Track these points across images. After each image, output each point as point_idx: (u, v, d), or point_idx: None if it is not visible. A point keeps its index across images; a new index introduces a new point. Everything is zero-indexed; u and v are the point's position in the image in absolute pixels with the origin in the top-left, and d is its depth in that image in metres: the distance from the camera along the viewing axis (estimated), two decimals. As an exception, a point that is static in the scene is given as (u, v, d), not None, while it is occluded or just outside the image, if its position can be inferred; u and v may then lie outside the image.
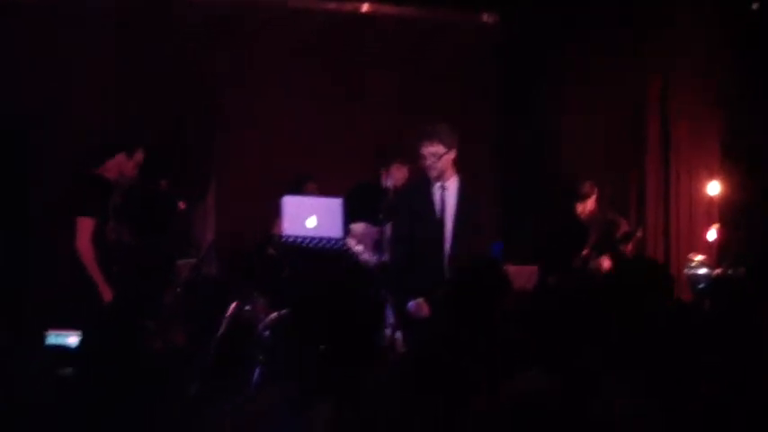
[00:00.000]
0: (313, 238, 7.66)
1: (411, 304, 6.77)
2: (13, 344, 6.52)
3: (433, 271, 6.80)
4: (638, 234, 9.53)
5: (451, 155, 7.01)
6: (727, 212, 9.95)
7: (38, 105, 9.50)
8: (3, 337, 6.95)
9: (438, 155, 6.94)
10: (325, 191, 9.07)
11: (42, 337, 8.24)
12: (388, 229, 7.72)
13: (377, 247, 7.71)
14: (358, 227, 8.16)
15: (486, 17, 10.89)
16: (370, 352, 3.98)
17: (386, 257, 7.60)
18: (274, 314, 8.27)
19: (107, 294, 7.19)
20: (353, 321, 3.94)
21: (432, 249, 6.97)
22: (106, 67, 9.85)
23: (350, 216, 7.91)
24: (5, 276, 8.92)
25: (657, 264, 5.22)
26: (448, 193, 7.04)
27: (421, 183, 7.12)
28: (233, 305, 7.73)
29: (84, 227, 7.26)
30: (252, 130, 10.30)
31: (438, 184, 7.02)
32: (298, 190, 8.97)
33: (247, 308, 8.59)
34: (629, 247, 9.29)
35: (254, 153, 10.30)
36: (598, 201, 9.64)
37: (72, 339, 7.70)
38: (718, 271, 8.93)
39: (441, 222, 7.00)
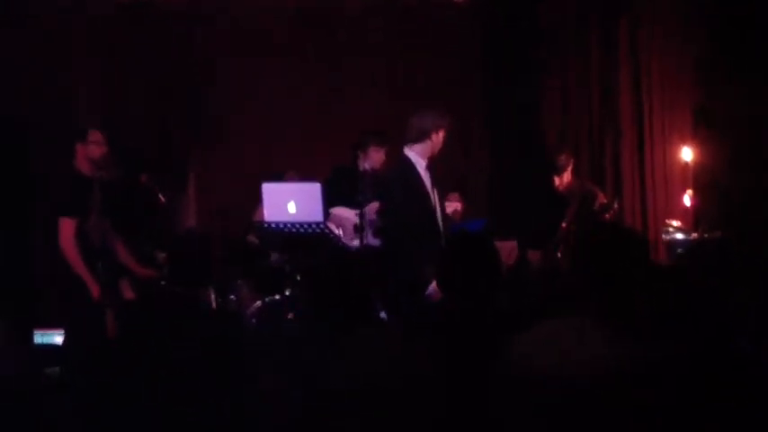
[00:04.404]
0: (294, 224, 7.72)
1: (430, 289, 6.63)
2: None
3: (434, 248, 6.87)
4: (615, 206, 9.61)
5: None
6: (701, 178, 10.03)
7: (34, 105, 9.72)
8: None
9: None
10: (309, 178, 9.08)
11: (30, 336, 8.32)
12: (368, 211, 7.79)
13: (357, 230, 7.77)
14: (338, 211, 8.22)
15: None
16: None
17: (369, 240, 7.68)
18: (259, 302, 8.34)
19: (95, 291, 7.22)
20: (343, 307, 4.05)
21: (431, 227, 7.09)
22: (90, 66, 9.95)
23: (329, 200, 7.96)
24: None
25: (630, 230, 5.29)
26: (429, 173, 7.17)
27: (408, 164, 7.17)
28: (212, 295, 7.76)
29: (66, 226, 7.28)
30: (231, 120, 10.35)
31: (424, 163, 7.13)
32: (279, 179, 9.00)
33: (232, 297, 8.66)
34: (608, 217, 9.36)
35: (233, 143, 10.36)
36: (574, 172, 9.72)
37: (58, 338, 7.77)
38: (694, 235, 9.02)
39: (433, 199, 7.14)
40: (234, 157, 10.34)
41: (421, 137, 7.15)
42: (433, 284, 6.69)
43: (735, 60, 9.62)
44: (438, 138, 7.17)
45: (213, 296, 7.79)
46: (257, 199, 8.29)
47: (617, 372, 3.59)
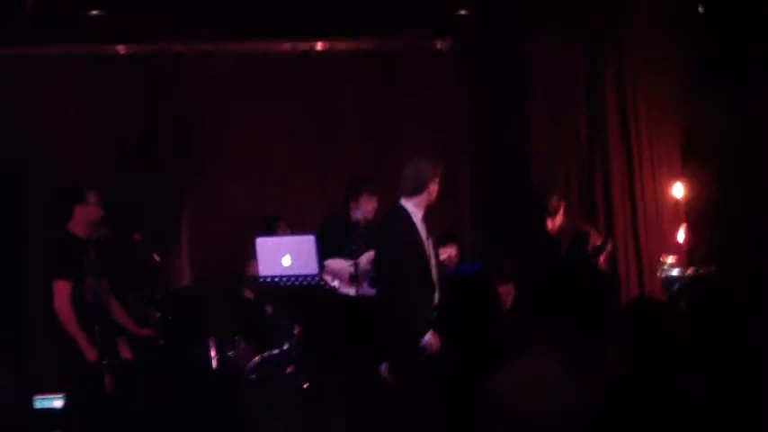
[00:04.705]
0: (290, 277, 7.71)
1: (425, 340, 6.68)
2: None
3: (429, 298, 6.88)
4: (609, 247, 9.60)
5: None
6: (693, 212, 10.04)
7: (30, 154, 9.79)
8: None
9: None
10: (299, 229, 9.07)
11: (31, 402, 8.30)
12: (362, 261, 7.78)
13: (352, 280, 7.77)
14: (333, 263, 8.20)
15: (439, 44, 10.97)
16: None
17: (364, 290, 7.66)
18: (257, 357, 8.31)
19: (90, 354, 7.18)
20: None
21: (428, 278, 7.08)
22: (80, 115, 10.05)
23: (322, 252, 7.95)
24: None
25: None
26: (425, 223, 7.19)
27: (404, 215, 7.18)
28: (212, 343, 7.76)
29: (61, 289, 7.23)
30: (220, 173, 10.38)
31: (421, 214, 7.14)
32: (269, 231, 9.00)
33: (230, 353, 8.63)
34: (601, 259, 9.36)
35: (223, 196, 10.37)
36: (566, 214, 9.72)
37: (58, 403, 7.74)
38: (690, 271, 9.02)
39: (428, 251, 7.13)
40: (223, 202, 10.34)
41: (418, 188, 7.17)
42: (429, 335, 6.69)
43: (721, 87, 9.67)
44: (435, 187, 7.19)
45: (213, 352, 7.78)
46: (249, 248, 8.26)
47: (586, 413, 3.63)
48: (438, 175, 7.24)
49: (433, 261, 7.18)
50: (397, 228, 7.19)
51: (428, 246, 7.16)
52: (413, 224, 7.12)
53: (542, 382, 3.73)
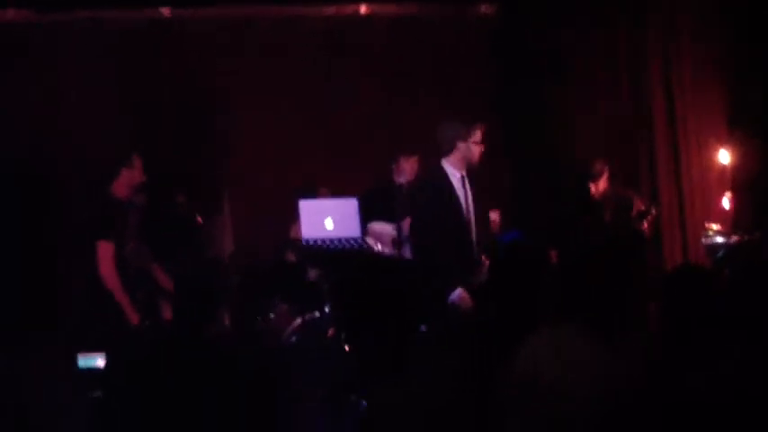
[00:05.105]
0: (333, 240, 7.72)
1: (454, 295, 6.81)
2: (46, 368, 6.62)
3: (466, 259, 6.90)
4: (653, 212, 9.56)
5: None
6: (739, 179, 9.96)
7: (58, 132, 9.74)
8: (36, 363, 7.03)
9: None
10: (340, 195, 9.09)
11: (74, 361, 8.35)
12: (405, 224, 7.78)
13: (395, 244, 7.78)
14: (375, 226, 8.21)
15: (483, 8, 10.90)
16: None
17: (407, 254, 7.67)
18: (299, 320, 8.34)
19: (134, 318, 7.24)
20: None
21: (463, 238, 7.14)
22: (115, 89, 10.02)
23: (366, 217, 7.97)
24: (36, 300, 9.03)
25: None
26: (466, 180, 7.21)
27: (436, 173, 7.27)
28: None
29: (105, 252, 7.29)
30: (261, 141, 10.37)
31: (460, 174, 7.17)
32: (311, 193, 9.01)
33: (271, 315, 8.66)
34: (645, 224, 9.32)
35: (265, 163, 10.36)
36: (610, 179, 9.66)
37: (100, 362, 7.79)
38: (734, 238, 8.96)
39: (467, 209, 7.16)
40: (267, 165, 10.34)
41: (449, 148, 7.24)
42: (459, 291, 6.74)
43: (764, 58, 9.57)
44: (467, 146, 7.22)
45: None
46: (293, 211, 8.28)
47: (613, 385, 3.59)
48: (469, 135, 7.26)
49: (473, 222, 7.21)
50: (424, 185, 7.45)
51: (468, 205, 7.19)
52: (448, 183, 7.21)
53: (577, 358, 3.70)
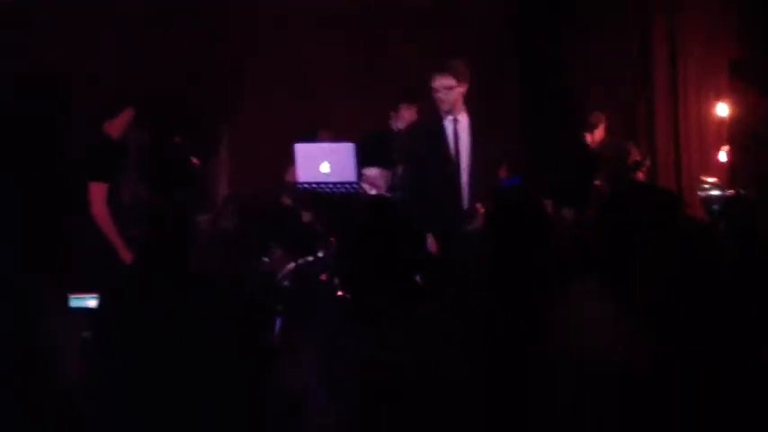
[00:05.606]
0: (328, 184, 7.71)
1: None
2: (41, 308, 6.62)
3: (450, 205, 6.88)
4: (647, 163, 9.55)
5: (462, 88, 7.09)
6: (736, 133, 9.96)
7: (65, 64, 9.64)
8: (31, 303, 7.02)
9: (450, 87, 7.03)
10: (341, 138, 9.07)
11: (66, 301, 8.36)
12: (400, 171, 7.78)
13: (390, 189, 7.77)
14: (371, 171, 8.20)
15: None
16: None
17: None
18: (292, 264, 8.35)
19: (127, 257, 7.22)
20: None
21: (448, 183, 7.08)
22: (124, 24, 9.95)
23: (362, 162, 7.95)
24: (29, 239, 9.01)
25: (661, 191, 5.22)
26: (460, 126, 7.14)
27: (430, 119, 7.20)
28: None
29: (97, 191, 7.26)
30: (263, 84, 10.33)
31: (450, 118, 7.10)
32: (311, 136, 8.99)
33: (265, 259, 8.66)
34: (640, 174, 9.31)
35: (265, 106, 10.33)
36: (607, 129, 9.66)
37: (92, 302, 7.80)
38: (730, 192, 8.96)
39: (456, 155, 7.10)
40: (264, 114, 10.31)
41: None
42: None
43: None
44: (459, 90, 7.10)
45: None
46: (289, 159, 8.27)
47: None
48: (433, 82, 7.11)
49: (464, 167, 7.15)
50: (417, 128, 7.49)
51: (460, 150, 7.12)
52: (437, 126, 7.15)
53: (596, 325, 3.63)
